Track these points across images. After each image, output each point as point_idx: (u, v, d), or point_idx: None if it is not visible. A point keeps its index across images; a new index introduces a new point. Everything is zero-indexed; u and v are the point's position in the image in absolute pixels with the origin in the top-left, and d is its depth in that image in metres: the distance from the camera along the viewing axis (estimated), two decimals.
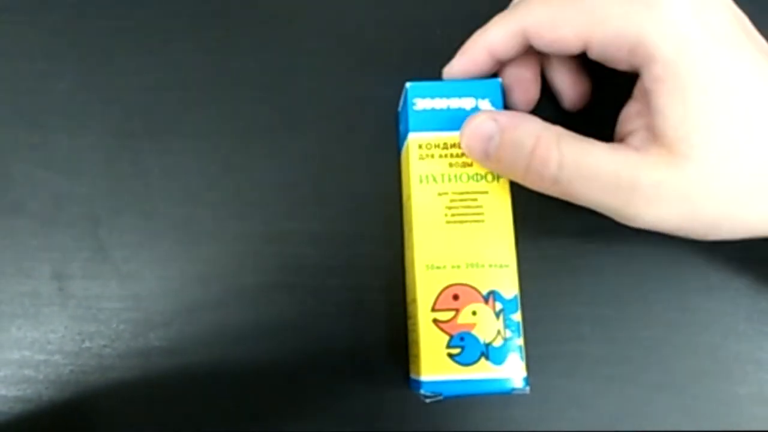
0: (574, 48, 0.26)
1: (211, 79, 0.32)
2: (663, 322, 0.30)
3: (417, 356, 0.27)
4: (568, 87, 0.30)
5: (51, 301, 0.31)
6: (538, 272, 0.31)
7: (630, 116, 0.28)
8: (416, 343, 0.27)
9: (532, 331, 0.29)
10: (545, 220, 0.31)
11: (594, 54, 0.27)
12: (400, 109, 0.31)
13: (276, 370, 0.30)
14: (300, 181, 0.32)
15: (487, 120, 0.26)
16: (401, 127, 0.31)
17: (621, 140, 0.28)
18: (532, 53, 0.29)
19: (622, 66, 0.26)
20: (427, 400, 0.26)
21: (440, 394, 0.26)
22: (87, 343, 0.30)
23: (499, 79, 0.29)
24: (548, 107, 0.32)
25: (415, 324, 0.27)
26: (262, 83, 0.32)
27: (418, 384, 0.27)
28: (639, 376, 0.30)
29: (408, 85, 0.29)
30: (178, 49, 0.32)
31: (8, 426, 0.30)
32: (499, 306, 0.27)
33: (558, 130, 0.26)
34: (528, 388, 0.26)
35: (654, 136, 0.25)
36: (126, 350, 0.30)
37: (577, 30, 0.26)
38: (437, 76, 0.30)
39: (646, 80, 0.25)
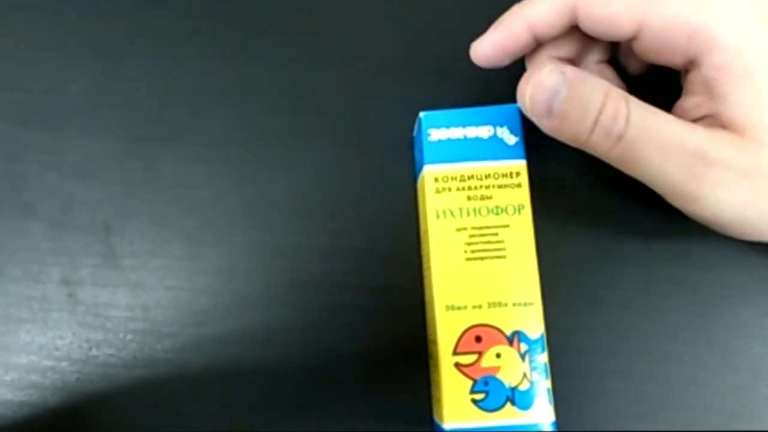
0: (626, 30, 0.25)
1: (226, 87, 0.31)
2: (689, 359, 0.29)
3: (439, 401, 0.26)
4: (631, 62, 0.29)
5: (60, 307, 0.30)
6: (560, 306, 0.29)
7: (686, 110, 0.26)
8: (438, 386, 0.26)
9: (554, 365, 0.28)
10: (567, 251, 0.30)
11: (646, 41, 0.25)
12: (414, 134, 0.30)
13: (282, 384, 0.30)
14: (312, 193, 0.31)
15: (553, 72, 0.24)
16: (416, 156, 0.29)
17: None
18: (574, 37, 0.27)
19: (675, 55, 0.25)
20: None
21: None
22: (94, 351, 0.30)
23: (518, 105, 0.27)
24: None
25: (437, 367, 0.26)
26: (278, 92, 0.31)
27: (442, 431, 0.25)
28: (661, 415, 0.29)
29: (422, 115, 0.27)
30: (193, 56, 0.32)
31: (13, 431, 0.30)
32: (524, 347, 0.25)
33: (623, 91, 0.24)
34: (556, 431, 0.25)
35: (722, 123, 0.24)
36: (132, 360, 0.30)
37: (632, 8, 0.24)
38: (456, 89, 0.29)
39: (707, 69, 0.24)
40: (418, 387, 0.30)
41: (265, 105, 0.31)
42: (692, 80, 0.26)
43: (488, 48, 0.27)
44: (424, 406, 0.29)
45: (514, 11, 0.26)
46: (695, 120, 0.25)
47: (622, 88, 0.28)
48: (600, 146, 0.24)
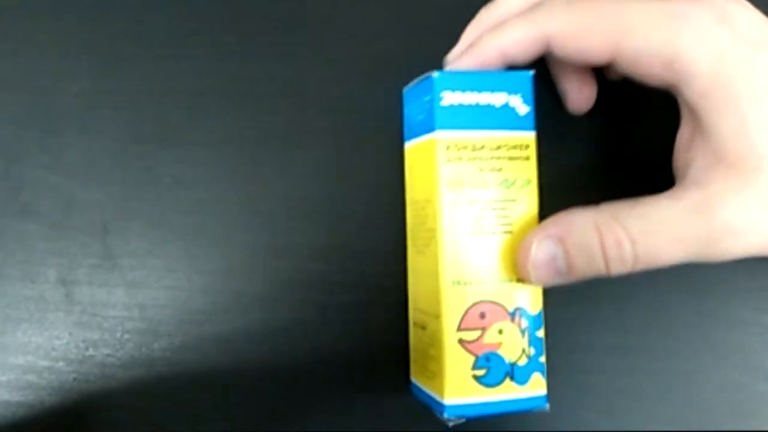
0: (600, 59, 0.25)
1: (225, 88, 0.32)
2: (686, 356, 0.29)
3: (439, 376, 0.26)
4: (577, 90, 0.29)
5: (57, 307, 0.30)
6: (559, 298, 0.29)
7: (684, 143, 0.26)
8: (438, 362, 0.26)
9: (549, 361, 0.28)
10: None
11: (622, 67, 0.25)
12: (406, 90, 0.28)
13: (280, 384, 0.30)
14: (310, 194, 0.31)
15: (541, 242, 0.24)
16: (413, 116, 0.28)
17: (681, 176, 0.26)
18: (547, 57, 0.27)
19: (654, 81, 0.24)
20: (450, 424, 0.25)
21: (463, 417, 0.25)
22: (91, 351, 0.30)
23: (531, 72, 0.26)
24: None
25: (438, 342, 0.26)
26: (276, 93, 0.32)
27: (441, 407, 0.25)
28: (659, 412, 0.29)
29: (435, 74, 0.25)
30: (192, 56, 0.32)
31: (10, 431, 0.29)
32: (525, 323, 0.25)
33: (607, 208, 0.24)
34: (548, 406, 0.25)
35: (715, 157, 0.23)
36: (129, 360, 0.30)
37: (605, 40, 0.24)
38: None
39: (688, 97, 0.24)
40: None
41: (263, 106, 0.32)
42: (681, 105, 0.26)
43: (463, 67, 0.27)
44: (419, 403, 0.29)
45: (488, 38, 0.26)
46: (692, 158, 0.25)
47: (595, 83, 0.29)
48: (622, 271, 0.24)
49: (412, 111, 0.28)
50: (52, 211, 0.31)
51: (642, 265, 0.24)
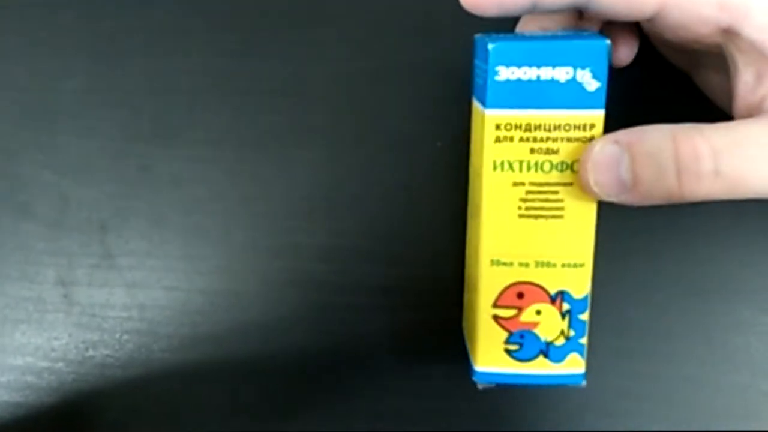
0: (647, 9, 0.22)
1: (223, 85, 0.31)
2: (688, 357, 0.29)
3: (473, 343, 0.26)
4: (622, 41, 0.26)
5: (55, 308, 0.30)
6: None
7: (749, 87, 0.23)
8: (473, 332, 0.26)
9: None
10: None
11: (670, 17, 0.22)
12: (477, 38, 0.25)
13: (279, 384, 0.30)
14: (310, 193, 0.30)
15: (605, 146, 0.22)
16: (477, 73, 0.25)
17: (750, 115, 0.23)
18: (570, 13, 0.25)
19: (705, 27, 0.22)
20: (480, 387, 0.25)
21: (493, 383, 0.25)
22: (90, 352, 0.30)
23: (607, 41, 0.23)
24: None
25: (474, 314, 0.25)
26: (276, 90, 0.31)
27: (472, 370, 0.25)
28: (661, 414, 0.29)
29: (490, 46, 0.23)
30: (190, 53, 0.31)
31: None
32: (566, 306, 0.25)
33: (689, 124, 0.22)
34: (584, 383, 0.25)
35: None
36: (129, 361, 0.30)
37: None
38: (455, 88, 0.29)
39: (749, 33, 0.22)
40: (416, 387, 0.29)
41: (263, 104, 0.31)
42: (739, 51, 0.23)
43: (486, 2, 0.23)
44: (421, 405, 0.29)
45: None
46: (765, 95, 0.23)
47: (637, 34, 0.26)
48: (698, 191, 0.21)
49: (477, 67, 0.25)
50: (49, 211, 0.31)
51: (723, 184, 0.21)
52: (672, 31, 0.23)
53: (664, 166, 0.21)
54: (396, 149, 0.30)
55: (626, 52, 0.26)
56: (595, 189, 0.22)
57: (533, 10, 0.23)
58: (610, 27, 0.26)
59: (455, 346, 0.29)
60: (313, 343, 0.30)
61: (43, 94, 0.31)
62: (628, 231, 0.29)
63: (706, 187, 0.21)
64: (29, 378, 0.30)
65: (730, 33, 0.22)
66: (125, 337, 0.30)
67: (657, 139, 0.21)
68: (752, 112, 0.23)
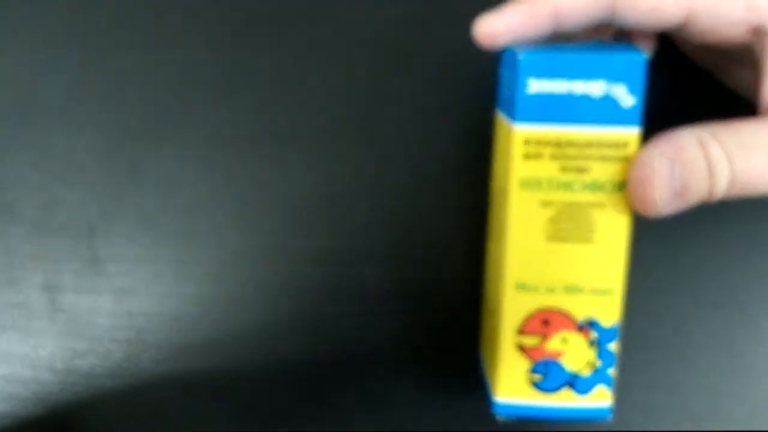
0: (674, 19, 0.22)
1: (215, 82, 0.30)
2: (708, 368, 0.28)
3: (494, 371, 0.24)
4: (640, 42, 0.26)
5: (41, 315, 0.29)
6: None
7: None
8: (494, 360, 0.24)
9: None
10: None
11: (699, 24, 0.22)
12: (502, 67, 0.25)
13: (271, 391, 0.29)
14: (306, 196, 0.29)
15: (655, 157, 0.22)
16: (504, 84, 0.25)
17: None
18: (588, 30, 0.25)
19: (734, 29, 0.22)
20: (500, 420, 0.24)
21: (513, 416, 0.24)
22: (77, 361, 0.29)
23: (644, 56, 0.22)
24: None
25: (496, 341, 0.24)
26: (270, 88, 0.30)
27: (491, 400, 0.24)
28: (681, 424, 0.28)
29: (520, 57, 0.22)
30: (182, 49, 0.30)
31: None
32: (594, 335, 0.23)
33: (703, 126, 0.22)
34: (610, 417, 0.24)
35: None
36: (117, 370, 0.29)
37: None
38: (455, 88, 0.27)
39: None
40: (414, 394, 0.29)
41: (257, 103, 0.30)
42: (764, 50, 0.23)
43: (501, 26, 0.22)
44: (414, 411, 0.28)
45: None
46: None
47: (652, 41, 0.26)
48: (719, 193, 0.22)
49: (504, 78, 0.24)
50: (35, 212, 0.30)
51: (738, 186, 0.22)
52: (700, 35, 0.23)
53: (702, 172, 0.22)
54: (395, 151, 0.29)
55: (644, 49, 0.26)
56: (654, 206, 0.22)
57: (555, 33, 0.23)
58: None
59: (455, 351, 0.29)
60: (307, 350, 0.29)
61: (30, 89, 0.30)
62: (647, 241, 0.28)
63: (724, 189, 0.22)
64: (14, 387, 0.29)
65: (758, 32, 0.22)
66: (113, 345, 0.29)
67: (691, 145, 0.22)
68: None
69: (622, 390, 0.28)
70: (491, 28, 0.23)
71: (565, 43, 0.24)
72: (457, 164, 0.28)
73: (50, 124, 0.30)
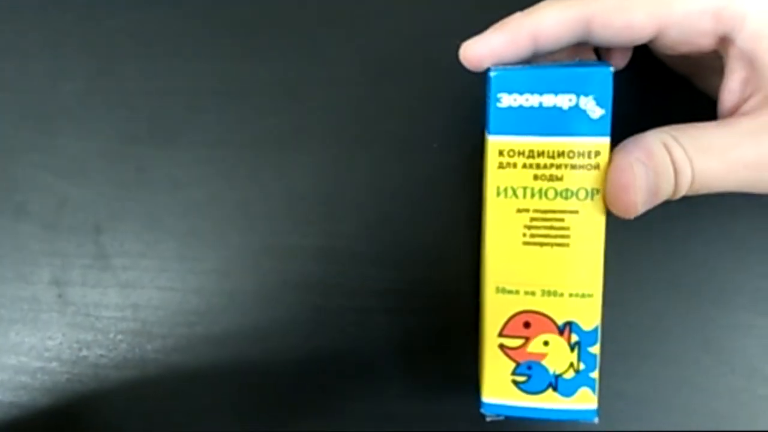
0: (647, 34, 0.23)
1: (221, 87, 0.31)
2: (685, 360, 0.29)
3: (481, 372, 0.25)
4: (617, 51, 0.27)
5: (50, 308, 0.30)
6: None
7: (734, 91, 0.24)
8: (481, 362, 0.25)
9: None
10: None
11: (670, 36, 0.23)
12: (485, 91, 0.26)
13: (274, 386, 0.30)
14: (307, 195, 0.30)
15: (632, 164, 0.23)
16: (485, 102, 0.26)
17: (731, 115, 0.25)
18: (568, 48, 0.26)
19: (703, 40, 0.23)
20: (488, 419, 0.25)
21: (501, 416, 0.25)
22: (84, 352, 0.30)
23: (611, 69, 0.23)
24: None
25: (480, 342, 0.25)
26: (273, 92, 0.31)
27: (479, 400, 0.25)
28: (657, 417, 0.28)
29: (492, 74, 0.23)
30: (188, 55, 0.31)
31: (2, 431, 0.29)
32: (575, 338, 0.24)
33: (664, 129, 0.23)
34: (597, 420, 0.24)
35: None
36: (123, 361, 0.30)
37: (652, 10, 0.23)
38: (455, 89, 0.29)
39: (741, 41, 0.23)
40: (415, 391, 0.29)
41: (260, 106, 0.31)
42: (730, 57, 0.24)
43: (485, 50, 0.24)
44: (415, 408, 0.29)
45: (518, 20, 0.24)
46: (746, 98, 0.24)
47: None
48: (681, 192, 0.23)
49: (485, 96, 0.26)
50: (45, 211, 0.31)
51: (697, 186, 0.23)
52: (672, 47, 0.24)
53: (669, 174, 0.22)
54: (395, 152, 0.30)
55: (620, 59, 0.27)
56: (633, 208, 0.23)
57: (534, 56, 0.24)
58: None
59: (454, 350, 0.29)
60: (309, 346, 0.30)
61: (42, 95, 0.32)
62: (625, 236, 0.29)
63: (685, 188, 0.23)
64: (23, 378, 0.30)
65: (725, 41, 0.23)
66: (119, 337, 0.30)
67: (659, 149, 0.23)
68: (733, 114, 0.24)
69: (601, 379, 0.29)
70: (475, 52, 0.24)
71: (543, 63, 0.25)
72: (455, 165, 0.29)
73: (61, 128, 0.31)
